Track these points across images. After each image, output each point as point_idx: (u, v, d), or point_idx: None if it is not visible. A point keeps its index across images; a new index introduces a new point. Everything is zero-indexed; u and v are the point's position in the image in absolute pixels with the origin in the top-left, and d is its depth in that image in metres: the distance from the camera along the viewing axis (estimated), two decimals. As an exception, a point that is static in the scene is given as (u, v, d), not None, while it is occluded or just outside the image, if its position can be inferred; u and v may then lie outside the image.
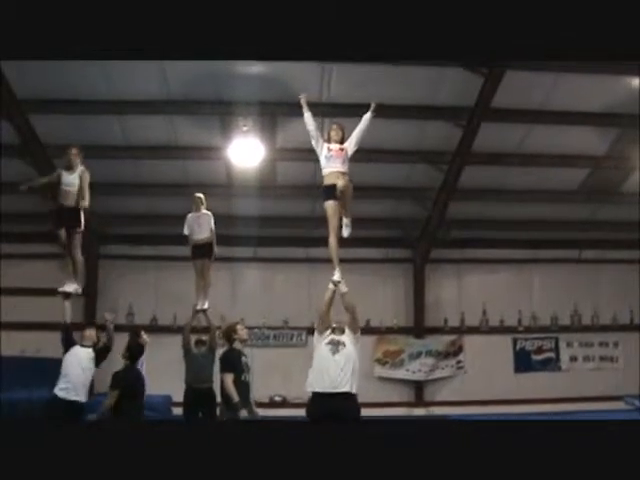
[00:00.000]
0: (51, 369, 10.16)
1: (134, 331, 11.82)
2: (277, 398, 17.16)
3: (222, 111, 14.35)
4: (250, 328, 11.72)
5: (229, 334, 10.47)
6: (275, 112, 14.26)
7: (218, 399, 11.47)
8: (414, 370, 18.14)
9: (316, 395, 8.39)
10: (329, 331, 8.67)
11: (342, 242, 9.27)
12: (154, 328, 16.57)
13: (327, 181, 9.21)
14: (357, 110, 9.72)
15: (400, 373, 18.11)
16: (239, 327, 10.58)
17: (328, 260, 9.20)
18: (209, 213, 12.27)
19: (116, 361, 10.93)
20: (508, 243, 18.44)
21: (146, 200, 16.87)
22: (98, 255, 17.66)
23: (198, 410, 11.41)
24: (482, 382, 17.67)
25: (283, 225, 17.66)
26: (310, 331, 16.06)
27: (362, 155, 9.74)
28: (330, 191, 9.14)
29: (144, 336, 11.24)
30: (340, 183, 9.01)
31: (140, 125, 14.49)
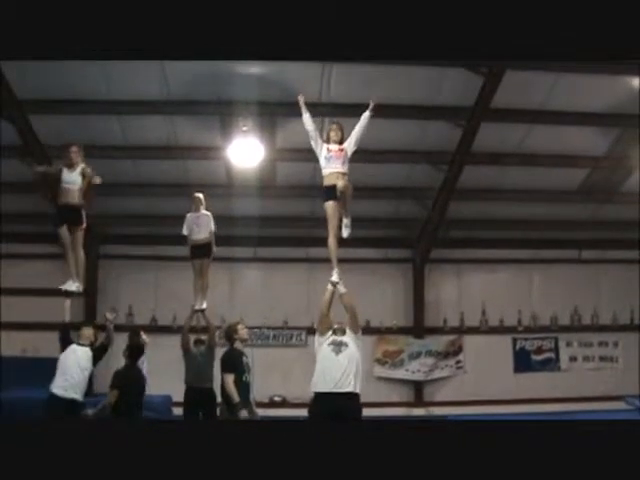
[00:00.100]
0: (51, 369, 10.12)
1: (134, 330, 11.85)
2: (277, 398, 17.16)
3: (222, 111, 14.36)
4: (250, 328, 11.70)
5: (230, 334, 10.47)
6: (275, 112, 14.27)
7: (218, 399, 11.50)
8: (414, 370, 18.13)
9: (319, 395, 8.38)
10: (330, 332, 8.68)
11: (342, 242, 9.29)
12: (153, 328, 16.59)
13: (327, 182, 9.22)
14: (357, 110, 9.71)
15: (400, 373, 18.11)
16: (240, 327, 10.59)
17: (328, 260, 9.21)
18: (208, 213, 12.26)
19: (116, 361, 10.97)
20: (508, 243, 18.42)
21: (146, 200, 16.87)
22: (98, 255, 17.64)
23: (198, 410, 11.41)
24: (482, 382, 17.68)
25: (283, 225, 17.66)
26: (310, 331, 16.14)
27: (362, 155, 9.76)
28: (330, 192, 9.15)
29: (143, 336, 11.26)
30: (340, 184, 9.02)
31: (140, 125, 14.50)
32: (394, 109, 13.51)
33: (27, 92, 13.30)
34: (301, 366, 15.75)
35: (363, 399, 8.49)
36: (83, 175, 10.58)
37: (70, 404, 9.85)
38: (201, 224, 12.18)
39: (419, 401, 18.09)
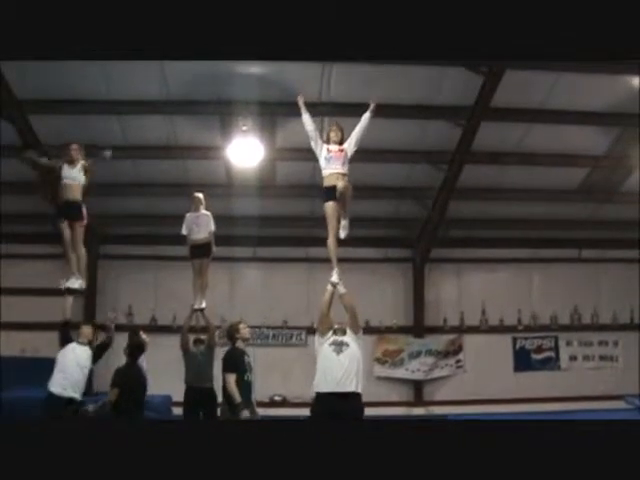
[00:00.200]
0: (51, 369, 10.13)
1: (134, 329, 11.85)
2: (277, 398, 17.18)
3: (222, 111, 14.36)
4: (249, 327, 11.70)
5: (231, 333, 10.47)
6: (275, 112, 14.26)
7: (219, 399, 11.51)
8: (413, 369, 18.14)
9: (321, 395, 8.38)
10: (331, 332, 8.68)
11: (342, 242, 9.32)
12: (153, 328, 16.58)
13: (327, 182, 9.23)
14: (357, 110, 9.73)
15: (399, 372, 18.11)
16: (241, 326, 10.59)
17: (327, 260, 9.22)
18: (208, 213, 12.27)
19: (117, 360, 10.96)
20: (508, 242, 18.41)
21: (145, 200, 16.86)
22: (97, 255, 17.63)
23: (198, 410, 11.41)
24: (482, 381, 17.68)
25: (282, 225, 17.66)
26: (310, 330, 16.16)
27: (362, 155, 9.75)
28: (330, 192, 9.16)
29: (143, 336, 11.26)
30: (340, 185, 9.03)
31: (140, 125, 14.49)
32: (394, 109, 13.51)
33: (27, 92, 13.30)
34: (301, 366, 15.76)
35: (363, 398, 8.50)
36: (85, 170, 10.60)
37: (69, 403, 9.85)
38: (201, 224, 12.18)
39: (419, 400, 18.09)
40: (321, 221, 9.53)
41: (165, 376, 12.30)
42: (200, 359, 11.71)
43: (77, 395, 10.01)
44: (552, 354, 18.61)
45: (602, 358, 18.65)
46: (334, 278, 8.95)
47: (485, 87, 13.37)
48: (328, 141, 9.39)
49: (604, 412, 14.57)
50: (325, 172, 9.29)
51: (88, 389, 10.63)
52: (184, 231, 12.22)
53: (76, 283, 10.67)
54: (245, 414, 9.64)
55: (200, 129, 14.87)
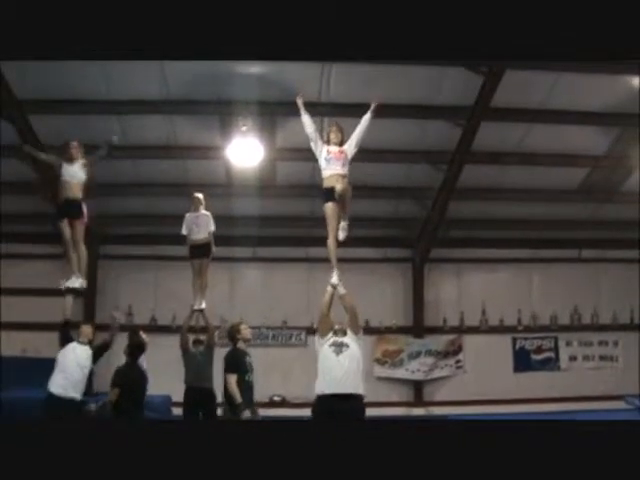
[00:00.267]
0: (51, 369, 10.12)
1: (134, 329, 11.84)
2: (276, 398, 17.18)
3: (221, 111, 14.36)
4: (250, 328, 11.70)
5: (233, 334, 10.48)
6: (274, 112, 14.26)
7: (219, 399, 11.51)
8: (413, 370, 18.13)
9: (322, 397, 8.37)
10: (331, 333, 8.67)
11: (342, 242, 9.30)
12: (153, 328, 16.57)
13: (327, 183, 9.23)
14: (357, 110, 9.74)
15: (399, 373, 18.11)
16: (243, 327, 10.61)
17: (327, 260, 9.22)
18: (208, 213, 12.26)
19: (117, 360, 10.95)
20: (508, 242, 18.41)
21: (145, 200, 16.86)
22: (97, 255, 17.62)
23: (198, 410, 11.41)
24: (481, 382, 17.67)
25: (282, 225, 17.66)
26: (309, 331, 16.17)
27: (361, 155, 9.73)
28: (329, 193, 9.17)
29: (143, 336, 11.26)
30: (339, 187, 9.03)
31: (139, 125, 14.49)
32: (394, 109, 13.49)
33: (27, 92, 13.30)
34: (301, 366, 15.78)
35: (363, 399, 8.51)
36: (85, 167, 10.62)
37: (69, 403, 9.83)
38: (200, 224, 12.17)
39: (419, 401, 18.09)
40: (321, 221, 9.53)
41: (165, 376, 12.29)
42: (199, 359, 11.71)
43: (77, 395, 9.98)
44: (552, 354, 18.61)
45: (602, 358, 18.64)
46: (334, 279, 8.96)
47: (485, 87, 13.37)
48: (328, 142, 9.39)
49: (604, 412, 14.57)
50: (325, 173, 9.29)
51: (88, 389, 10.61)
52: (184, 231, 12.21)
53: (76, 282, 10.65)
54: (246, 414, 9.64)
55: (200, 129, 14.87)
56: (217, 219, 12.33)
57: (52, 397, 9.85)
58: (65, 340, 10.35)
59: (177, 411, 13.06)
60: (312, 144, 9.41)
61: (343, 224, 9.33)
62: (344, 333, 8.63)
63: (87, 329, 10.58)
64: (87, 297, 16.98)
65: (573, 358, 18.58)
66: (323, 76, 13.45)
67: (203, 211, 12.29)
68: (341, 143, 9.37)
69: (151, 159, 15.63)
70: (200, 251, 12.13)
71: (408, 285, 18.46)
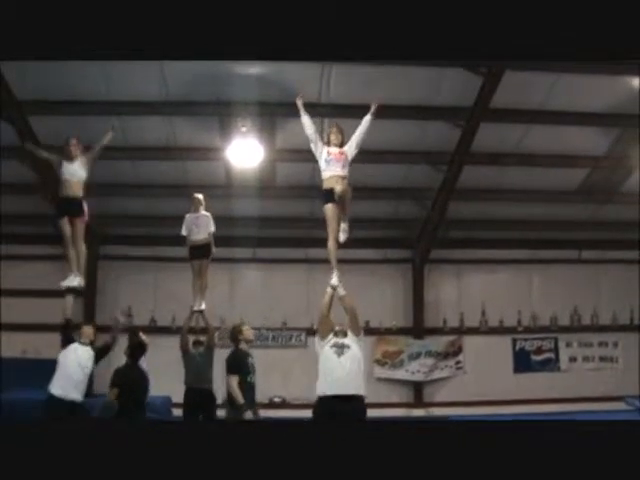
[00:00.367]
0: (52, 370, 10.10)
1: (133, 330, 11.83)
2: (276, 399, 17.17)
3: (221, 112, 14.35)
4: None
5: (235, 335, 10.48)
6: (274, 113, 14.26)
7: (219, 401, 11.52)
8: (413, 371, 18.13)
9: (323, 398, 8.37)
10: (331, 334, 8.67)
11: (341, 243, 9.30)
12: (153, 329, 16.57)
13: (326, 185, 9.24)
14: (357, 111, 9.75)
15: (399, 374, 18.10)
16: (245, 328, 10.61)
17: (327, 261, 9.23)
18: (208, 214, 12.26)
19: (118, 361, 10.94)
20: (507, 243, 18.41)
21: (145, 201, 16.86)
22: (97, 256, 17.62)
23: (198, 411, 11.40)
24: (481, 383, 17.67)
25: (282, 226, 17.66)
26: (309, 332, 16.16)
27: (361, 155, 9.73)
28: (329, 195, 9.18)
29: (143, 337, 11.25)
30: (338, 188, 9.04)
31: (139, 126, 14.48)
32: (393, 109, 13.46)
33: (26, 93, 13.30)
34: (301, 367, 15.77)
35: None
36: (85, 165, 10.64)
37: (70, 405, 9.81)
38: (200, 225, 12.17)
39: (419, 402, 18.08)
40: (321, 222, 9.55)
41: (165, 377, 12.28)
42: (199, 360, 11.71)
43: (78, 397, 9.95)
44: (552, 355, 18.61)
45: (602, 359, 18.63)
46: (334, 281, 8.96)
47: (484, 88, 13.36)
48: (329, 143, 9.40)
49: (604, 413, 14.56)
50: (325, 174, 9.30)
51: (89, 390, 10.59)
52: (184, 232, 12.21)
53: (74, 281, 10.62)
54: (248, 415, 9.65)
55: (199, 130, 14.87)
56: (217, 220, 12.33)
57: (53, 398, 9.82)
58: (66, 340, 10.33)
59: (177, 412, 13.06)
60: (312, 145, 9.42)
61: (343, 226, 9.33)
62: (344, 334, 8.63)
63: (88, 330, 10.55)
64: (87, 298, 17.02)
65: (573, 359, 18.58)
66: (323, 77, 13.45)
67: (203, 212, 12.28)
68: (341, 144, 9.38)
69: (151, 160, 15.62)
70: (200, 252, 12.12)
71: (408, 286, 18.45)
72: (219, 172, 15.91)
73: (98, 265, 17.79)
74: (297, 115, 9.61)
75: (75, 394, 9.89)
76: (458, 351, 18.35)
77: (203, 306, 12.03)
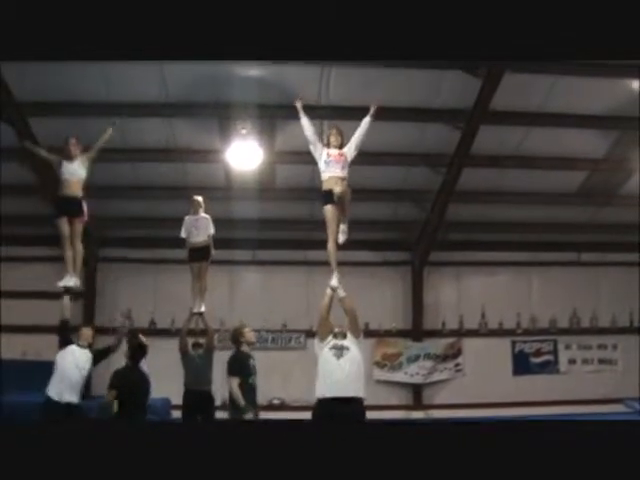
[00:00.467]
0: (52, 372, 10.10)
1: (133, 332, 11.83)
2: (276, 401, 17.14)
3: (221, 114, 14.35)
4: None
5: (236, 337, 10.48)
6: (274, 115, 14.25)
7: (218, 402, 11.53)
8: (412, 373, 18.12)
9: (322, 400, 8.36)
10: (331, 336, 8.67)
11: (341, 245, 9.31)
12: (152, 331, 16.55)
13: (326, 186, 9.26)
14: (356, 113, 9.76)
15: (398, 376, 18.09)
16: (246, 330, 10.62)
17: (327, 263, 9.23)
18: (207, 216, 12.26)
19: (118, 363, 10.91)
20: (507, 245, 18.41)
21: (145, 203, 16.85)
22: (96, 258, 17.62)
23: (197, 413, 11.40)
24: (481, 385, 17.65)
25: (282, 228, 17.64)
26: (309, 334, 16.13)
27: (360, 157, 9.74)
28: (328, 196, 9.19)
29: (142, 339, 11.23)
30: (338, 189, 9.05)
31: (139, 127, 14.47)
32: (393, 111, 13.45)
33: (26, 94, 13.30)
34: (300, 369, 15.77)
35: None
36: (84, 164, 10.65)
37: (66, 407, 9.79)
38: (200, 227, 12.17)
39: (418, 404, 18.05)
40: (320, 224, 9.56)
41: (164, 379, 12.28)
42: (199, 362, 11.71)
43: (74, 399, 9.91)
44: (551, 357, 18.60)
45: (601, 361, 18.63)
46: (333, 282, 8.97)
47: (484, 90, 13.37)
48: (328, 145, 9.43)
49: (603, 416, 14.55)
50: (324, 176, 9.32)
51: (86, 392, 10.57)
52: (183, 234, 12.22)
53: (71, 281, 10.61)
54: (249, 417, 9.65)
55: (199, 132, 14.87)
56: (216, 222, 12.33)
57: (49, 401, 9.82)
58: (64, 341, 10.31)
59: (176, 414, 13.05)
60: (311, 147, 9.44)
61: (343, 227, 9.35)
62: (344, 336, 8.63)
63: (87, 332, 10.53)
64: (86, 300, 17.03)
65: (572, 361, 18.57)
66: (322, 79, 13.46)
67: (202, 214, 12.29)
68: (341, 146, 9.40)
69: (150, 162, 15.62)
70: (199, 254, 12.13)
71: (407, 288, 18.44)
72: (219, 174, 15.91)
73: (98, 267, 17.77)
74: (297, 117, 9.64)
75: (71, 396, 9.85)
76: (457, 353, 18.34)
77: (202, 308, 12.04)
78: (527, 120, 14.69)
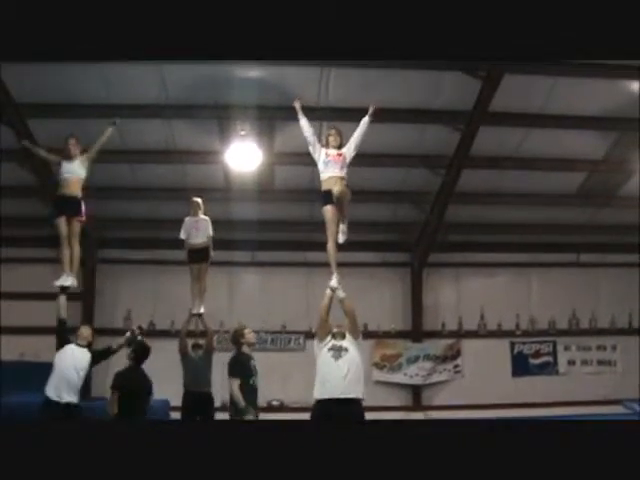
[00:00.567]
0: (50, 373, 10.08)
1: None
2: (275, 402, 17.13)
3: (220, 115, 14.35)
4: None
5: (237, 338, 10.48)
6: (273, 116, 14.25)
7: (217, 404, 11.52)
8: (412, 374, 18.11)
9: (321, 401, 8.36)
10: (330, 337, 8.66)
11: (340, 246, 9.32)
12: (152, 332, 16.51)
13: (325, 186, 9.27)
14: (355, 114, 9.76)
15: (398, 377, 18.08)
16: (247, 331, 10.62)
17: (326, 264, 9.23)
18: (207, 218, 12.28)
19: (118, 365, 10.92)
20: (506, 247, 18.41)
21: (144, 204, 16.84)
22: (96, 259, 17.60)
23: (196, 414, 11.40)
24: (480, 386, 17.65)
25: (281, 229, 17.64)
26: (308, 335, 16.13)
27: (360, 159, 9.76)
28: (328, 196, 9.20)
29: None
30: (336, 189, 9.06)
31: (138, 129, 14.46)
32: (392, 113, 13.48)
33: (25, 96, 13.30)
34: (299, 370, 15.74)
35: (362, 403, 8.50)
36: (84, 163, 10.66)
37: (65, 407, 9.77)
38: (199, 228, 12.20)
39: (417, 405, 18.04)
40: (320, 225, 9.56)
41: (163, 380, 12.27)
42: (198, 363, 11.73)
43: (73, 399, 9.88)
44: (550, 359, 18.60)
45: (600, 363, 18.63)
46: (333, 282, 8.97)
47: (483, 91, 13.38)
48: (327, 145, 9.43)
49: (602, 417, 14.53)
50: (323, 176, 9.33)
51: (85, 393, 10.55)
52: (182, 235, 12.23)
53: (67, 280, 10.58)
54: (250, 417, 9.66)
55: (199, 133, 14.87)
56: (216, 223, 12.36)
57: (48, 401, 9.80)
58: (62, 341, 10.28)
59: (176, 415, 13.03)
60: (310, 148, 9.45)
61: (343, 227, 9.35)
62: (343, 336, 8.63)
63: (86, 331, 10.49)
64: (86, 301, 17.02)
65: (571, 362, 18.58)
66: (322, 80, 13.45)
67: (202, 215, 12.31)
68: (340, 146, 9.40)
69: (150, 163, 15.62)
70: (199, 255, 12.14)
71: (407, 289, 18.44)
72: (218, 175, 15.92)
73: (97, 268, 17.76)
74: (296, 118, 9.64)
75: (69, 396, 9.81)
76: (456, 354, 18.34)
77: (202, 309, 12.06)
78: (527, 121, 14.70)
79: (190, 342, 12.19)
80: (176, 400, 12.09)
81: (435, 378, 18.18)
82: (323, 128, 12.11)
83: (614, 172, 16.19)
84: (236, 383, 9.88)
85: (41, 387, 10.05)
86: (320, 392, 8.41)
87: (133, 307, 17.53)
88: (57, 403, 9.73)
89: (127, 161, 15.39)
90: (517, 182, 16.40)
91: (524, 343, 18.57)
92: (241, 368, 10.09)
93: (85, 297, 16.95)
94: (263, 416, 11.61)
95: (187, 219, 12.30)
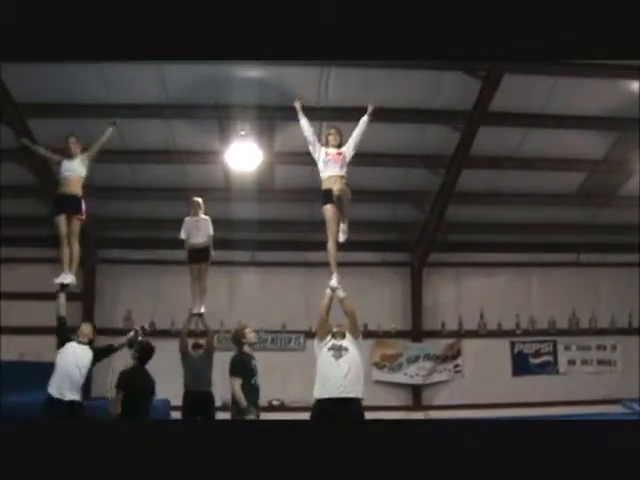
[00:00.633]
0: (51, 373, 10.07)
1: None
2: (275, 402, 17.13)
3: (220, 115, 14.36)
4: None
5: (237, 338, 10.48)
6: (273, 116, 14.26)
7: (218, 403, 11.52)
8: (412, 374, 18.11)
9: (320, 401, 8.36)
10: (330, 336, 8.66)
11: (340, 246, 9.31)
12: (152, 332, 16.49)
13: (325, 185, 9.27)
14: (355, 114, 9.75)
15: (398, 377, 18.09)
16: (247, 331, 10.61)
17: (326, 264, 9.23)
18: (207, 218, 12.27)
19: (118, 365, 10.92)
20: (506, 247, 18.42)
21: (144, 204, 16.85)
22: (96, 259, 17.61)
23: (197, 414, 11.40)
24: (480, 386, 17.65)
25: (281, 229, 17.65)
26: (308, 335, 16.14)
27: (360, 159, 9.77)
28: (328, 195, 9.19)
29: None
30: (336, 188, 9.05)
31: (138, 129, 14.47)
32: (392, 113, 13.49)
33: (25, 96, 13.31)
34: (299, 370, 15.74)
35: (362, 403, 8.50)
36: (84, 162, 10.66)
37: (68, 405, 9.77)
38: (199, 228, 12.18)
39: (417, 405, 18.04)
40: (320, 225, 9.55)
41: (163, 380, 12.27)
42: (198, 363, 11.72)
43: (76, 396, 9.86)
44: (550, 358, 18.60)
45: (600, 362, 18.63)
46: (333, 282, 8.96)
47: (483, 91, 13.39)
48: (327, 144, 9.43)
49: (602, 417, 14.54)
50: (323, 175, 9.32)
51: (86, 393, 10.54)
52: (183, 235, 12.22)
53: (67, 278, 10.56)
54: (251, 417, 9.66)
55: (199, 133, 14.88)
56: (216, 223, 12.34)
57: (51, 399, 9.79)
58: (62, 339, 10.27)
59: (176, 415, 13.04)
60: (310, 147, 9.45)
61: (343, 226, 9.34)
62: (343, 336, 8.62)
63: (87, 328, 10.42)
64: (86, 301, 17.02)
65: (572, 362, 18.58)
66: (322, 80, 13.47)
67: (202, 215, 12.30)
68: (340, 146, 9.40)
69: (150, 163, 15.64)
70: (199, 255, 12.13)
71: (407, 289, 18.45)
72: (218, 175, 15.93)
73: (97, 268, 17.77)
74: (296, 118, 9.64)
75: (72, 394, 9.78)
76: (457, 354, 18.35)
77: (202, 309, 12.05)
78: (527, 121, 14.71)
79: (190, 342, 12.17)
80: (176, 400, 12.07)
81: (435, 378, 18.18)
82: (323, 128, 12.10)
83: (614, 172, 16.20)
84: (238, 383, 9.88)
85: (41, 387, 10.03)
86: (320, 392, 8.40)
87: (133, 307, 17.54)
88: (60, 401, 9.70)
89: (127, 161, 15.40)
90: (517, 182, 16.41)
91: (524, 343, 18.58)
92: (243, 368, 10.08)
93: (85, 297, 16.95)
94: (263, 416, 11.61)
95: (187, 219, 12.29)
